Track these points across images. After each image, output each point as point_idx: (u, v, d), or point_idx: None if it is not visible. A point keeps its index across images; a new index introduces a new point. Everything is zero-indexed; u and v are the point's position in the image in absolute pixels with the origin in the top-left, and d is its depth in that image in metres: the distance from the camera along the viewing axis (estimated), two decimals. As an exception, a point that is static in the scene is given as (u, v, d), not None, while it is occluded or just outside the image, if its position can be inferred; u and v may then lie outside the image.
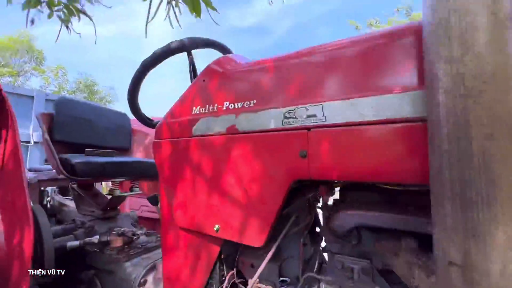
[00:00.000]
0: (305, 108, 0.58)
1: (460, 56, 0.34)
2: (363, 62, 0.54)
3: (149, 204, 1.91)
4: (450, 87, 0.35)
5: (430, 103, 0.39)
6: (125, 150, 1.67)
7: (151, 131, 1.77)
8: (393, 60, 0.51)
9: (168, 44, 0.92)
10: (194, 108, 0.79)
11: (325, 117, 0.55)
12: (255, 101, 0.67)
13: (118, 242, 1.12)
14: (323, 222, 0.71)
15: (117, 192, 1.27)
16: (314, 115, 0.57)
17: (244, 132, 0.67)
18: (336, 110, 0.54)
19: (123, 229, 1.21)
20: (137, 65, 0.95)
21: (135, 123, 1.88)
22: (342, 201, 0.64)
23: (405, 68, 0.49)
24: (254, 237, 0.64)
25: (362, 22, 14.47)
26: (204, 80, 0.79)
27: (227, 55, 0.83)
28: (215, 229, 0.71)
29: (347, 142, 0.52)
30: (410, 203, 0.56)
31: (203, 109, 0.77)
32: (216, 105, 0.74)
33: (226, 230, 0.69)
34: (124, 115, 1.72)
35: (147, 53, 0.96)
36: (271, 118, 0.63)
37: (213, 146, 0.73)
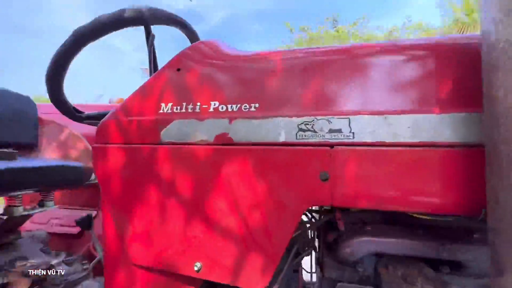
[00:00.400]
0: (327, 120, 0.48)
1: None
2: (402, 73, 0.47)
3: (62, 216, 1.49)
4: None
5: (493, 129, 0.34)
6: (29, 147, 1.22)
7: (69, 122, 1.35)
8: (436, 75, 0.45)
9: (120, 12, 0.66)
10: (163, 105, 0.59)
11: (353, 133, 0.47)
12: (257, 105, 0.53)
13: (23, 284, 0.79)
14: (321, 247, 0.64)
15: (20, 210, 0.89)
16: (339, 130, 0.47)
17: (242, 144, 0.52)
18: (367, 126, 0.46)
19: (29, 262, 0.86)
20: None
21: (43, 110, 1.41)
22: (350, 225, 0.58)
23: (449, 86, 0.44)
24: (255, 278, 0.50)
25: (294, 25, 15.44)
26: (179, 70, 0.60)
27: (211, 39, 0.65)
28: (195, 268, 0.54)
29: (380, 165, 0.45)
30: (423, 226, 0.54)
31: (178, 107, 0.58)
32: (198, 104, 0.56)
33: (213, 270, 0.53)
34: (28, 98, 1.25)
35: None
36: (280, 129, 0.50)
37: (193, 159, 0.55)
